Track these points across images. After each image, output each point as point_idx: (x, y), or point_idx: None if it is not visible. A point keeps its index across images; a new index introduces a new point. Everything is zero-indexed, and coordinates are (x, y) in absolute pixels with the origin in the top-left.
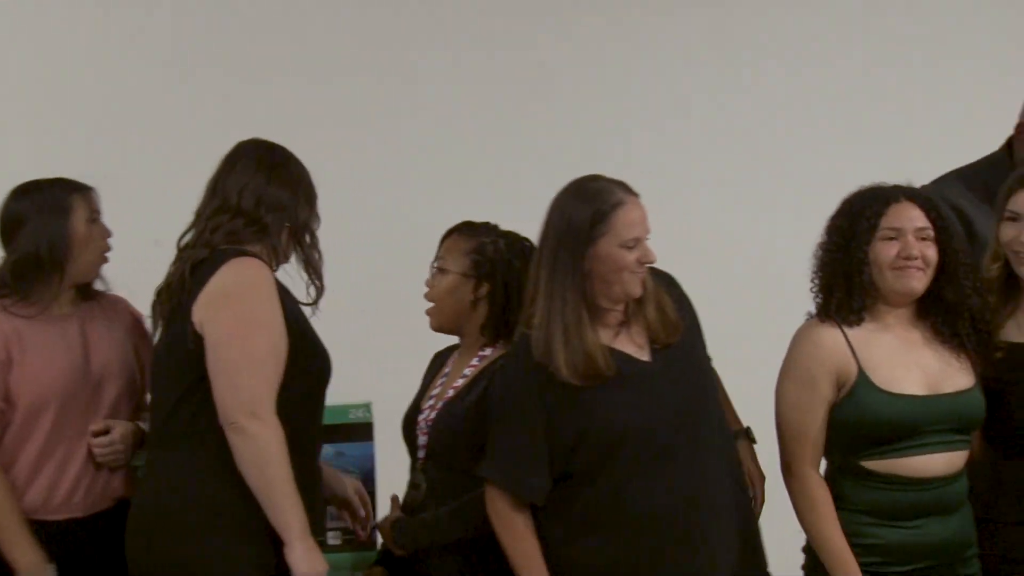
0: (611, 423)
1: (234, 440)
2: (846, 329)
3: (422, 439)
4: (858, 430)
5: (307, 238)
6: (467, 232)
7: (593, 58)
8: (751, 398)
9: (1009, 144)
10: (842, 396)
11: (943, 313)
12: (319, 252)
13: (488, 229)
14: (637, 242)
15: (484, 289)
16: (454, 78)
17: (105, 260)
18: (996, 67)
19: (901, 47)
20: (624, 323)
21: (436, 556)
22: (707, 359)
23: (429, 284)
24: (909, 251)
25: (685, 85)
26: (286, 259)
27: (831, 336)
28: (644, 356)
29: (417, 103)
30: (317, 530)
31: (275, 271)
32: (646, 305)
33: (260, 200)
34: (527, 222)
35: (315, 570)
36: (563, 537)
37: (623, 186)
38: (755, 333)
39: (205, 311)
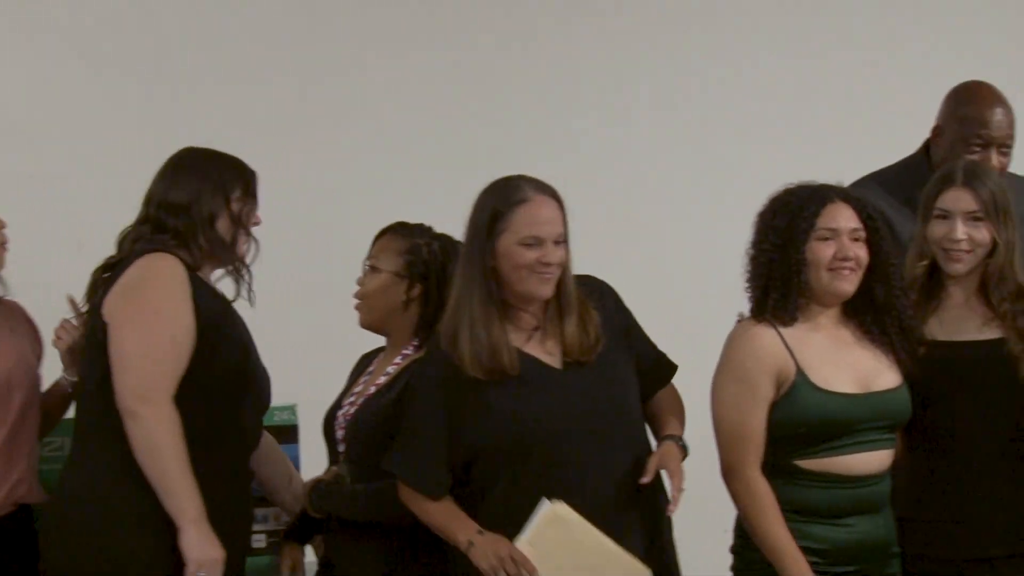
0: (510, 425)
1: (128, 425)
2: (781, 328)
3: (340, 434)
4: (796, 429)
5: (219, 229)
6: (401, 232)
7: (543, 57)
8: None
9: (927, 147)
10: (781, 395)
11: (872, 312)
12: (248, 241)
13: (422, 230)
14: (538, 240)
15: (417, 290)
16: (383, 79)
17: (4, 249)
18: (935, 67)
19: (873, 48)
20: (539, 329)
21: (347, 553)
22: (630, 374)
23: (360, 282)
24: (845, 252)
25: (632, 86)
26: (216, 257)
27: (768, 335)
28: (554, 364)
29: (341, 106)
30: (241, 532)
31: (199, 270)
32: (566, 317)
33: (161, 206)
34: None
35: (208, 556)
36: None
37: (536, 184)
38: (689, 334)
39: (111, 303)
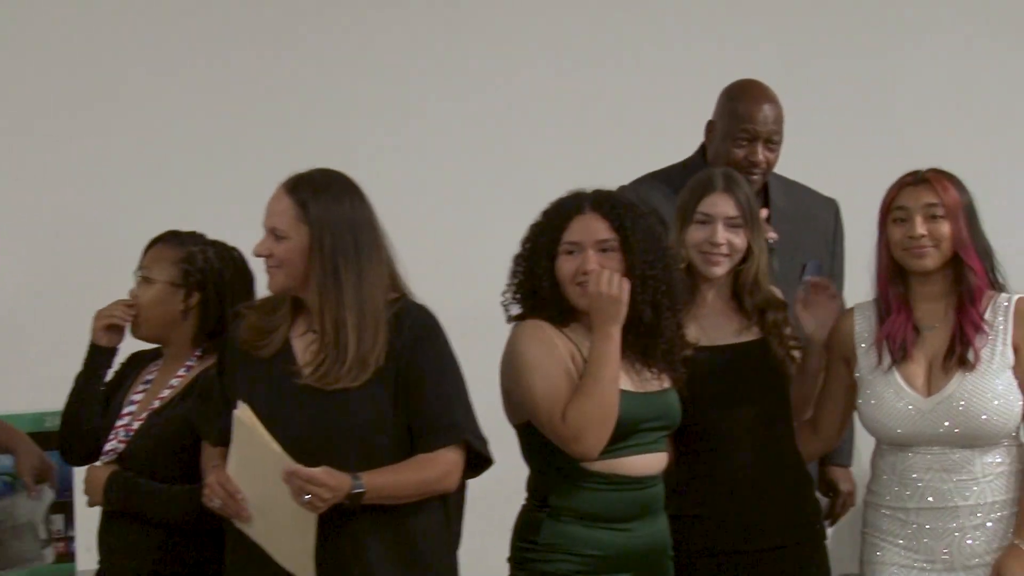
0: (234, 398)
1: None
2: (560, 328)
3: (115, 444)
4: None
5: None
6: (173, 241)
7: (319, 57)
8: None
9: (704, 148)
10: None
11: (632, 328)
12: None
13: (195, 238)
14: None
15: (195, 299)
16: (161, 80)
17: None
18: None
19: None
20: (313, 333)
21: (118, 548)
22: (378, 414)
23: (133, 294)
24: (586, 266)
25: (410, 86)
26: None
27: (552, 330)
28: (307, 368)
29: (114, 103)
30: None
31: None
32: (342, 339)
33: None
34: (239, 229)
35: None
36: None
37: (288, 178)
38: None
39: None
